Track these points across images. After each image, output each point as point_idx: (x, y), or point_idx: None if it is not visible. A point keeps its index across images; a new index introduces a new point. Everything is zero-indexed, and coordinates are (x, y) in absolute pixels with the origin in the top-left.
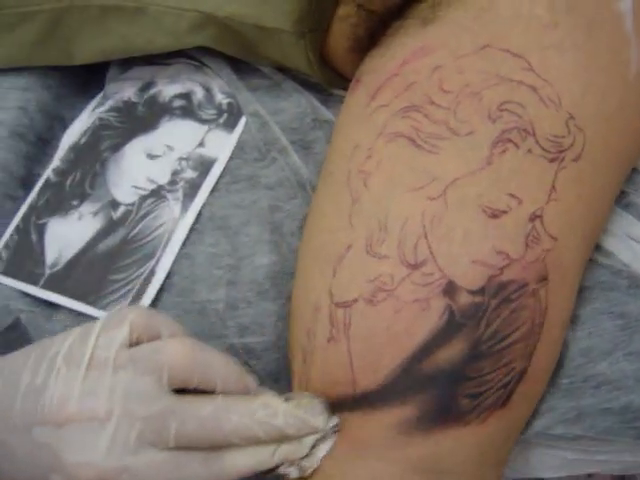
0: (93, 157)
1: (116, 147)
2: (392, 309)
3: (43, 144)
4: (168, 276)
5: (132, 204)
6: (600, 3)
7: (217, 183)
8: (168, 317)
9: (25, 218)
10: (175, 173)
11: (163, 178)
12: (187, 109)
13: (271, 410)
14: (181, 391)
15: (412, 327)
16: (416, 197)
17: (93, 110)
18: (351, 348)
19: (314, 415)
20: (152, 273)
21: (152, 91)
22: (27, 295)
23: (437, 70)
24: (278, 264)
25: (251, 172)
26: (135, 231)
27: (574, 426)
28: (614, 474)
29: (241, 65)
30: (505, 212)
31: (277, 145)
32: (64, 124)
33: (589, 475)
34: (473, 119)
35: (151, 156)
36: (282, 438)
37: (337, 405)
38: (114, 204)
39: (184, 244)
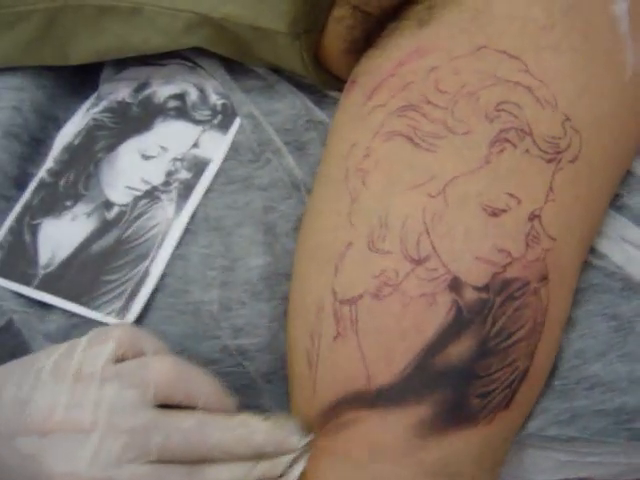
0: (87, 158)
1: (110, 148)
2: (399, 304)
3: (37, 144)
4: (162, 277)
5: (126, 205)
6: (596, 6)
7: (211, 184)
8: (152, 335)
9: (19, 218)
10: (169, 174)
11: (157, 179)
12: (181, 110)
13: (250, 428)
14: (163, 407)
15: (421, 322)
16: (416, 194)
17: (87, 111)
18: (361, 343)
19: (291, 434)
20: (146, 274)
21: (146, 92)
22: (20, 296)
23: (433, 71)
24: (272, 265)
25: (245, 173)
26: (129, 232)
27: (568, 427)
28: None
29: (235, 66)
30: (505, 211)
31: (271, 146)
32: (58, 124)
33: (581, 479)
34: (470, 119)
35: (145, 157)
36: (260, 456)
37: (354, 402)
38: (108, 205)
39: (178, 245)
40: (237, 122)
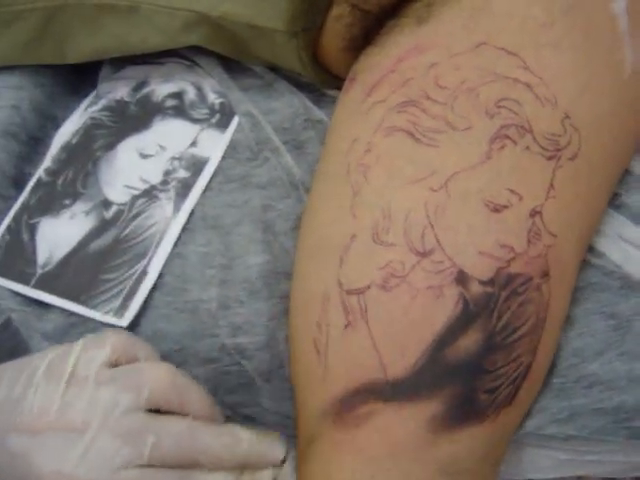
0: (85, 156)
1: (109, 146)
2: (407, 295)
3: (35, 143)
4: (160, 276)
5: (124, 204)
6: (596, 4)
7: (209, 183)
8: (145, 342)
9: (17, 217)
10: (167, 173)
11: (155, 178)
12: (180, 109)
13: (236, 437)
14: (154, 413)
15: (430, 314)
16: (418, 188)
17: (85, 109)
18: (372, 333)
19: (273, 447)
20: (144, 273)
21: (145, 90)
22: (18, 294)
23: (433, 67)
24: (271, 263)
25: (243, 172)
26: (127, 231)
27: (566, 426)
28: (605, 477)
29: (233, 65)
30: (506, 207)
31: (269, 145)
32: (56, 123)
33: (579, 477)
34: (471, 114)
35: (143, 155)
36: (244, 466)
37: (369, 394)
38: (106, 204)
39: (176, 244)
40: (235, 121)
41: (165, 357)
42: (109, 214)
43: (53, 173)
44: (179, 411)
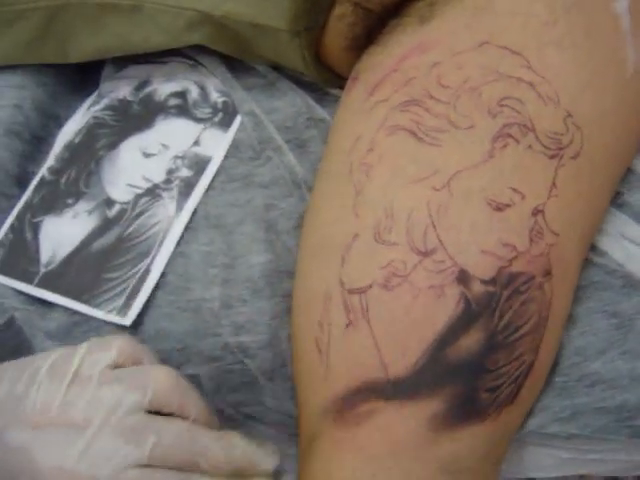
0: (88, 155)
1: (111, 145)
2: (409, 294)
3: (38, 142)
4: (163, 275)
5: (127, 203)
6: (598, 3)
7: (212, 182)
8: (149, 348)
9: (20, 216)
10: (170, 172)
11: (158, 177)
12: (182, 108)
13: (231, 442)
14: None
15: (432, 314)
16: (420, 188)
17: (88, 109)
18: (374, 332)
19: (266, 455)
20: (147, 272)
21: (147, 90)
22: (21, 293)
23: (436, 66)
24: (273, 262)
25: (246, 171)
26: (130, 230)
27: (569, 425)
28: (607, 475)
29: (236, 64)
30: (509, 206)
31: (272, 144)
32: (59, 122)
33: (581, 476)
34: (473, 113)
35: (146, 154)
36: (237, 471)
37: (370, 393)
38: (109, 202)
39: (179, 243)
40: (238, 120)
41: (168, 356)
42: (112, 213)
43: (56, 172)
44: (179, 413)
